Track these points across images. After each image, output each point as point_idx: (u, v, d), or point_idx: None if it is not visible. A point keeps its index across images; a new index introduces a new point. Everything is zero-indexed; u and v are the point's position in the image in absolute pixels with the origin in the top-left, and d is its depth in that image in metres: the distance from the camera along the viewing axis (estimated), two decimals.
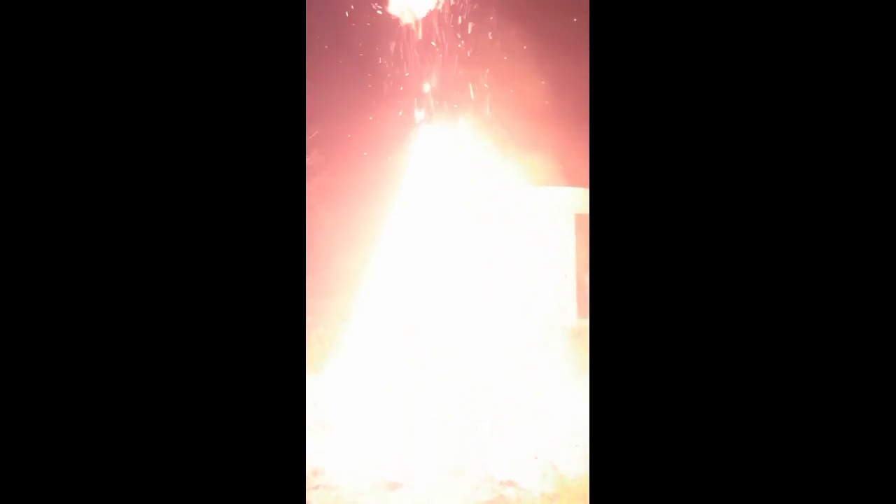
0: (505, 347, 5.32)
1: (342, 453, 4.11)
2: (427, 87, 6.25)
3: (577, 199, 6.54)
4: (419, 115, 6.29)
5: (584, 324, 6.04)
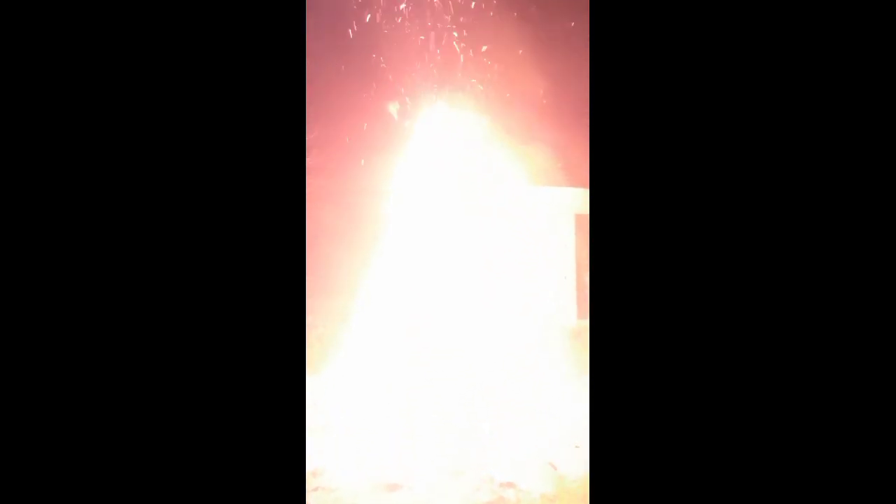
0: (504, 348, 5.32)
1: (342, 454, 4.11)
2: (426, 88, 6.25)
3: (577, 200, 6.54)
4: (419, 115, 6.29)
5: (584, 324, 6.04)
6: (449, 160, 6.22)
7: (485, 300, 5.64)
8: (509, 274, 5.91)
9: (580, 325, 6.17)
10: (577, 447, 4.07)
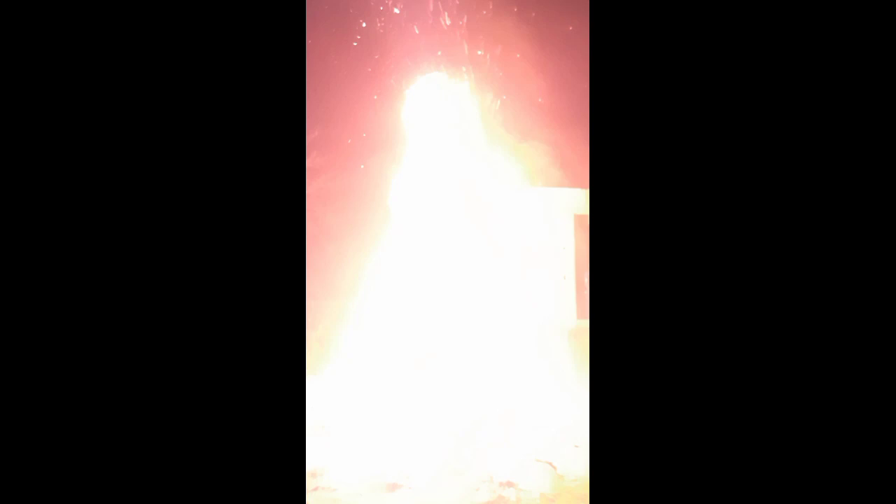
0: (504, 348, 5.32)
1: (341, 454, 4.11)
2: (426, 90, 6.26)
3: (577, 200, 6.55)
4: (418, 115, 6.29)
5: (584, 324, 6.04)
6: (449, 161, 6.22)
7: (484, 300, 5.64)
8: (509, 274, 5.90)
9: (580, 325, 6.17)
10: (576, 447, 4.08)
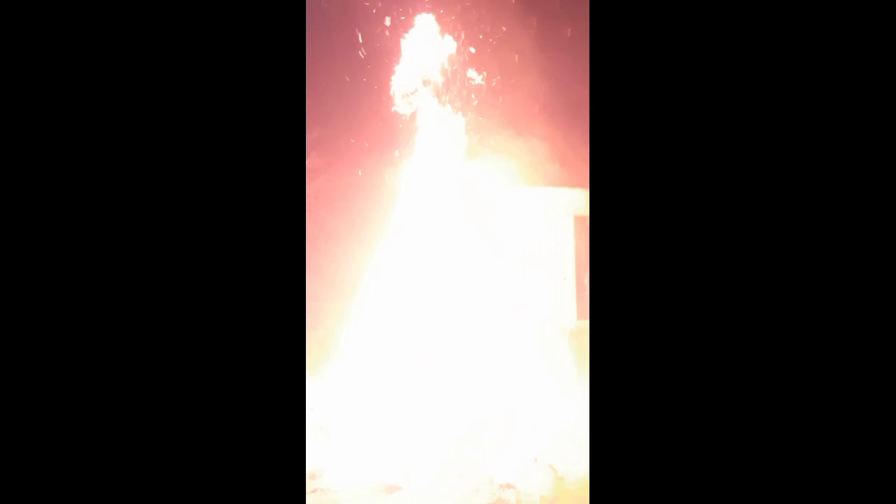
0: (504, 349, 5.31)
1: (340, 456, 4.10)
2: (426, 90, 6.26)
3: (577, 201, 6.55)
4: (418, 117, 6.30)
5: (584, 325, 6.03)
6: (449, 162, 6.22)
7: (484, 301, 5.64)
8: (509, 275, 5.90)
9: (580, 326, 6.17)
10: (576, 448, 4.06)
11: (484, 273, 5.77)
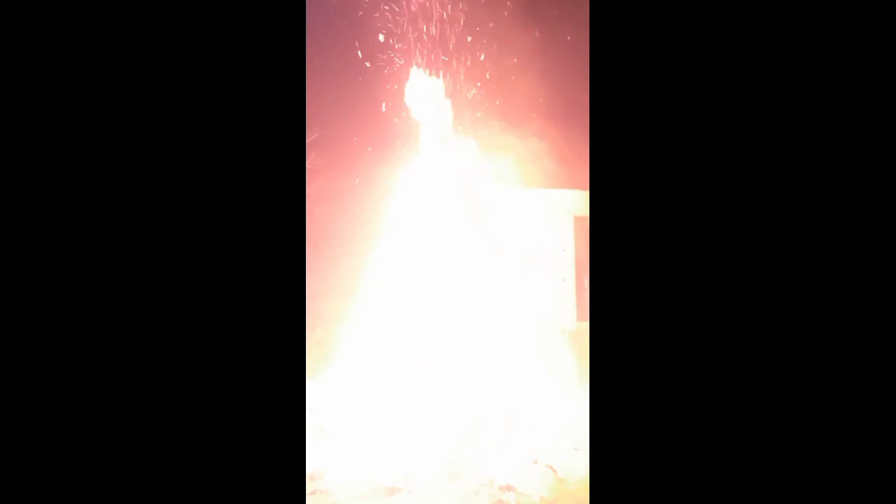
0: (504, 350, 5.30)
1: (340, 458, 4.09)
2: (425, 92, 6.26)
3: (576, 202, 6.55)
4: (418, 117, 6.30)
5: (584, 326, 6.03)
6: (449, 164, 6.21)
7: (484, 302, 5.63)
8: (509, 276, 5.90)
9: (580, 328, 6.17)
10: (576, 450, 4.06)
11: (484, 274, 5.77)
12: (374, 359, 5.39)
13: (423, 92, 6.21)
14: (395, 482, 3.85)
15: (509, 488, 3.75)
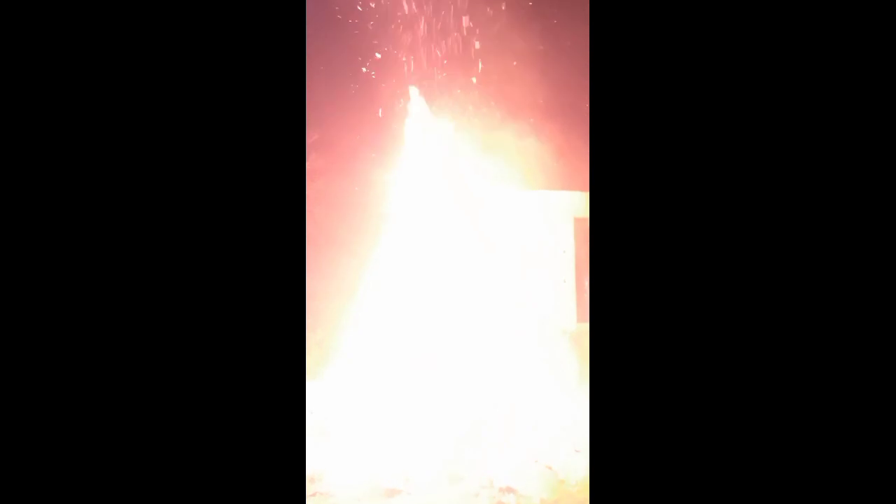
0: (504, 352, 5.30)
1: (340, 459, 4.09)
2: (428, 92, 6.27)
3: (576, 203, 6.55)
4: (418, 119, 6.30)
5: (584, 328, 6.03)
6: (448, 165, 6.22)
7: (484, 304, 5.63)
8: (508, 277, 5.90)
9: (580, 329, 6.16)
10: (577, 452, 4.06)
11: (484, 275, 5.77)
12: (374, 360, 5.39)
13: (423, 94, 6.22)
14: (396, 484, 3.85)
15: (510, 490, 3.75)
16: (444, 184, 6.17)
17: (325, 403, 4.94)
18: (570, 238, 6.49)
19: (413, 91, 6.22)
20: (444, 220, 6.01)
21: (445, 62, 6.32)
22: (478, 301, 5.62)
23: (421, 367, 5.14)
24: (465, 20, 6.31)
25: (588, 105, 2.19)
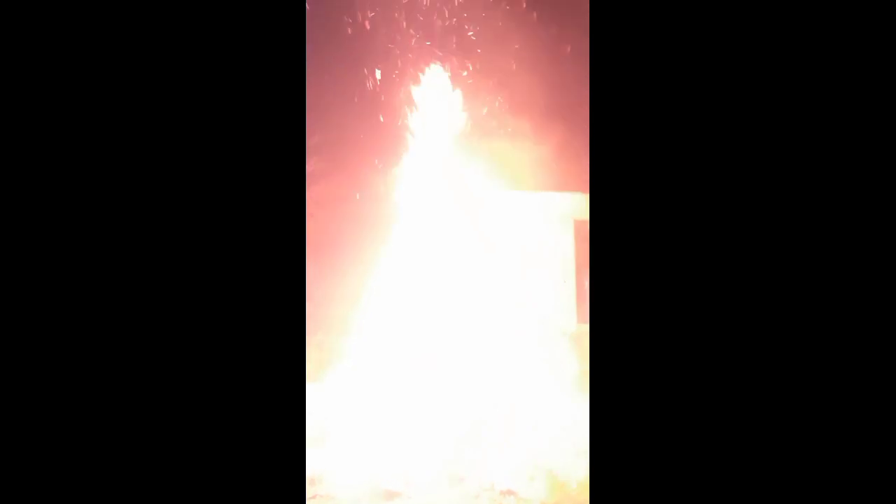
0: (504, 353, 5.30)
1: (340, 462, 4.09)
2: (424, 95, 6.27)
3: (576, 205, 6.56)
4: (417, 121, 6.31)
5: (584, 328, 6.02)
6: (449, 168, 6.22)
7: (485, 306, 5.63)
8: (509, 279, 5.90)
9: (580, 330, 6.16)
10: (576, 454, 4.05)
11: (484, 276, 5.77)
12: (374, 361, 5.39)
13: (423, 96, 6.23)
14: (395, 486, 3.85)
15: (510, 493, 3.75)
16: (444, 187, 6.17)
17: (325, 406, 4.94)
18: (570, 239, 6.50)
19: (413, 91, 6.23)
20: (444, 222, 6.02)
21: (446, 63, 6.33)
22: (478, 302, 5.62)
23: (421, 367, 5.14)
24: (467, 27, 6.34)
25: (588, 107, 2.19)
